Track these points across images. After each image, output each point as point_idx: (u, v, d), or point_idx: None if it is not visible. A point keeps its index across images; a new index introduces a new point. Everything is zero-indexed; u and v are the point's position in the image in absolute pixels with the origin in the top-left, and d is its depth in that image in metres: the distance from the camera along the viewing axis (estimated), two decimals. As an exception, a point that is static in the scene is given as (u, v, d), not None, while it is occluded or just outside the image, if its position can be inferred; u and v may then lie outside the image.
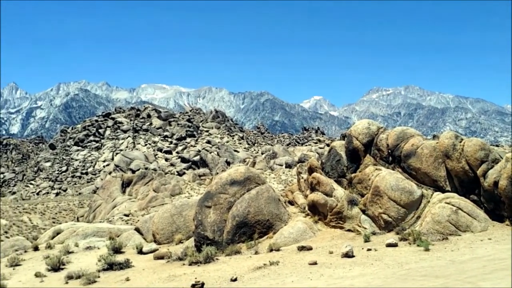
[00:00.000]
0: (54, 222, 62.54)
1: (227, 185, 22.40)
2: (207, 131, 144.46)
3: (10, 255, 23.97)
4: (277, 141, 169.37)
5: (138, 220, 37.27)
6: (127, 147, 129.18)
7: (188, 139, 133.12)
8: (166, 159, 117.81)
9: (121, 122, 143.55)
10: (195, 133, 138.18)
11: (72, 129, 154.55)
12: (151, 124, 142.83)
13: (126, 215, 54.11)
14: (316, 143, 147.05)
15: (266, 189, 22.58)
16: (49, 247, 25.88)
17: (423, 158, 20.66)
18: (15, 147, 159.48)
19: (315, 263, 15.83)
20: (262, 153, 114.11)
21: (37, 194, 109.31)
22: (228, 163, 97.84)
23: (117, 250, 22.96)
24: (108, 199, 65.56)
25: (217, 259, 18.82)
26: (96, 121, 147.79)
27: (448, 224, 18.11)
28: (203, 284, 14.68)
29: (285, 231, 20.95)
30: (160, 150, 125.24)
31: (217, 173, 72.26)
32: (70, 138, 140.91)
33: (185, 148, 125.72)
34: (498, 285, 10.60)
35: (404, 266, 14.17)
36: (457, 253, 15.27)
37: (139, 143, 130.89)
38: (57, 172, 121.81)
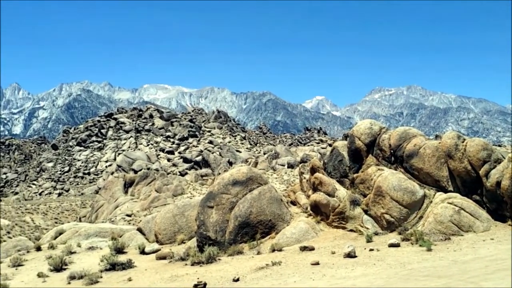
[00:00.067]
0: (56, 223, 62.63)
1: (229, 186, 22.40)
2: (209, 131, 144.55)
3: (13, 255, 24.02)
4: (279, 141, 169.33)
5: (141, 221, 37.28)
6: (129, 147, 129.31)
7: (190, 139, 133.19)
8: (168, 159, 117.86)
9: (123, 123, 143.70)
10: (197, 133, 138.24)
11: (74, 129, 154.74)
12: (153, 124, 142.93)
13: (129, 215, 54.14)
14: (318, 143, 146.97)
15: (268, 189, 22.57)
16: (52, 247, 25.90)
17: (425, 158, 20.63)
18: (17, 148, 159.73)
19: (317, 263, 15.82)
20: (264, 153, 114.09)
21: (40, 194, 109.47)
22: (230, 163, 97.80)
23: (119, 251, 22.99)
24: (110, 200, 65.62)
25: (219, 259, 18.83)
26: (99, 121, 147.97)
27: (450, 224, 18.09)
28: (205, 284, 14.69)
29: (287, 231, 20.94)
30: (162, 150, 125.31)
31: (219, 174, 72.27)
32: (72, 138, 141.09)
33: (187, 148, 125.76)
34: (500, 285, 10.58)
35: (406, 266, 14.16)
36: (459, 253, 15.25)
37: (141, 143, 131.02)
38: (59, 172, 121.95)
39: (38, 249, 26.05)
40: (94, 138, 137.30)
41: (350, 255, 16.31)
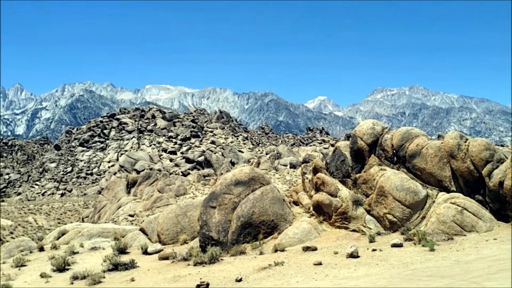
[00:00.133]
0: (59, 223, 62.78)
1: (232, 186, 22.40)
2: (211, 131, 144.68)
3: (16, 256, 24.05)
4: (282, 141, 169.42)
5: (143, 221, 37.36)
6: (131, 147, 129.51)
7: (193, 140, 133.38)
8: (171, 160, 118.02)
9: (125, 123, 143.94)
10: (199, 133, 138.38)
11: (77, 130, 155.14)
12: (155, 124, 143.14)
13: (131, 216, 54.24)
14: (320, 143, 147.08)
15: (271, 189, 22.57)
16: (54, 247, 25.94)
17: (428, 158, 20.60)
18: (20, 148, 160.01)
19: (320, 264, 15.82)
20: (267, 154, 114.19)
21: (42, 194, 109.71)
22: (233, 164, 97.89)
23: (122, 251, 23.01)
24: (113, 200, 65.74)
25: (222, 259, 18.83)
26: (101, 122, 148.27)
27: (453, 224, 18.06)
28: (208, 284, 14.69)
29: (290, 231, 20.94)
30: (164, 150, 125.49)
31: (222, 174, 72.35)
32: (75, 139, 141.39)
33: (189, 149, 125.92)
34: (504, 285, 10.56)
35: (409, 266, 14.15)
36: (462, 253, 15.23)
37: (144, 144, 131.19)
38: (62, 172, 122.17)
39: (41, 249, 26.08)
40: (96, 139, 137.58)
41: (353, 255, 16.30)
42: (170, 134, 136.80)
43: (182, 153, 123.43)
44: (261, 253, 19.14)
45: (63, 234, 29.02)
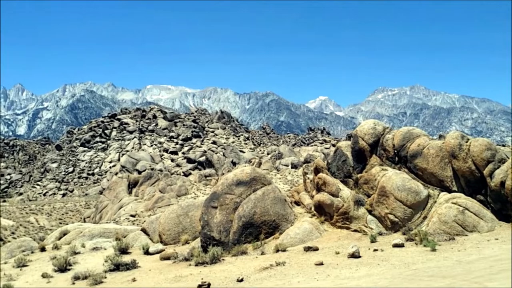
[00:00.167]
0: (60, 223, 62.83)
1: (233, 186, 22.40)
2: (212, 131, 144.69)
3: (17, 256, 24.08)
4: (283, 141, 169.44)
5: (145, 221, 37.38)
6: (133, 148, 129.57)
7: (194, 140, 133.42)
8: (172, 160, 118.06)
9: (127, 123, 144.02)
10: (200, 133, 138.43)
11: (78, 130, 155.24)
12: (157, 125, 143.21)
13: (133, 216, 54.25)
14: (321, 143, 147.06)
15: (272, 189, 22.57)
16: (56, 248, 25.97)
17: (429, 158, 20.59)
18: (21, 148, 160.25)
19: (321, 264, 15.82)
20: (268, 154, 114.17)
21: (44, 195, 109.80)
22: (234, 164, 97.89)
23: (123, 251, 23.03)
24: (114, 200, 65.78)
25: (223, 259, 18.83)
26: (102, 122, 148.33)
27: (454, 224, 18.06)
28: (209, 284, 14.70)
29: (291, 231, 20.94)
30: (166, 150, 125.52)
31: (223, 174, 72.32)
32: (76, 139, 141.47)
33: (191, 149, 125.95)
34: (505, 285, 10.56)
35: (410, 267, 14.15)
36: (464, 253, 15.22)
37: (145, 144, 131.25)
38: (63, 173, 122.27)
39: (43, 249, 26.11)
40: (98, 139, 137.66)
41: (354, 255, 16.30)
42: (171, 134, 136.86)
43: (183, 153, 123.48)
44: (262, 253, 19.14)
45: (64, 234, 29.06)
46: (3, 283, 18.65)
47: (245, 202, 21.67)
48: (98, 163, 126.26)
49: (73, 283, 18.11)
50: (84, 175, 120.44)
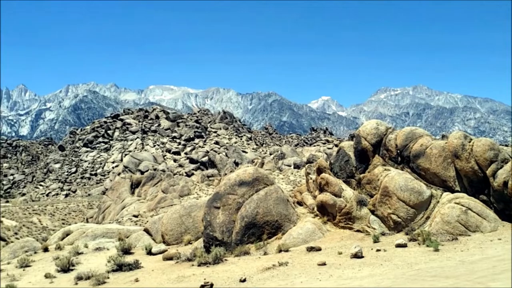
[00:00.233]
0: (63, 223, 62.93)
1: (236, 186, 22.40)
2: (215, 132, 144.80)
3: (20, 256, 24.14)
4: (285, 141, 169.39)
5: (147, 221, 37.38)
6: (135, 148, 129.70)
7: (197, 140, 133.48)
8: (175, 160, 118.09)
9: (129, 124, 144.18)
10: (203, 134, 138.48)
11: (81, 130, 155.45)
12: (159, 125, 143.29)
13: (135, 216, 54.31)
14: (324, 143, 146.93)
15: (275, 189, 22.57)
16: (59, 248, 26.02)
17: (432, 158, 20.57)
18: (24, 149, 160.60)
19: (324, 264, 15.81)
20: (271, 154, 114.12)
21: (47, 195, 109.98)
22: (237, 164, 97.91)
23: (126, 251, 23.06)
24: (117, 200, 65.85)
25: (226, 259, 18.83)
26: (105, 122, 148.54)
27: (457, 225, 18.03)
28: (212, 285, 14.70)
29: (294, 231, 20.93)
30: (168, 151, 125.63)
31: (226, 174, 72.33)
32: (79, 139, 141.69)
33: (193, 149, 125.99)
34: (508, 285, 10.54)
35: (413, 267, 14.13)
36: (466, 254, 15.20)
37: (148, 144, 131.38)
38: (66, 173, 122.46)
39: (46, 250, 26.16)
40: (100, 139, 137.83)
41: (357, 255, 16.29)
42: (174, 134, 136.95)
43: (186, 153, 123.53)
44: (265, 254, 19.14)
45: (67, 235, 29.11)
46: (6, 283, 18.69)
47: (248, 202, 21.67)
48: (101, 164, 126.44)
49: (76, 283, 18.14)
50: (87, 175, 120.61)
